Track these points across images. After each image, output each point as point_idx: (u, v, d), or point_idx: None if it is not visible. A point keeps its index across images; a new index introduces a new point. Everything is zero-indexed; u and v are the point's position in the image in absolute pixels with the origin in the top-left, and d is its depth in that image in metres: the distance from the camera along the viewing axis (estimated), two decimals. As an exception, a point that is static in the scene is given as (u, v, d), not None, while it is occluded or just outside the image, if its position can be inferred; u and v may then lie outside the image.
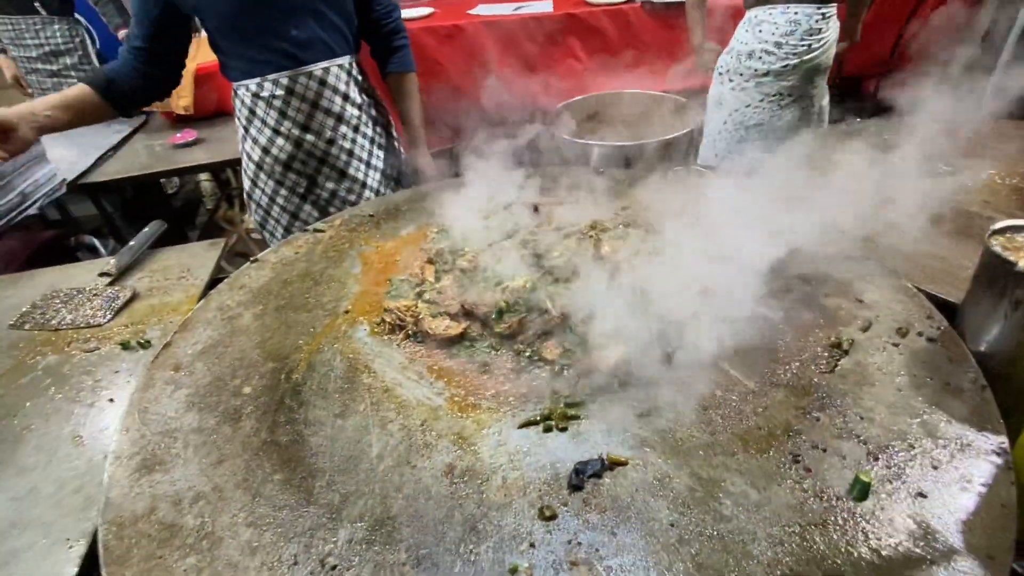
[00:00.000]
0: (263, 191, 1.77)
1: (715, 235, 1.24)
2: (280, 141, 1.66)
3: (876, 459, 0.78)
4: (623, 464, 0.82)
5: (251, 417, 0.96)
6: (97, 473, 0.91)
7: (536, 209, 1.50)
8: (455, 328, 1.10)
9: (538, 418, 0.91)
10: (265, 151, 1.68)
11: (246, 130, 1.69)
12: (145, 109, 2.77)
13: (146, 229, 1.55)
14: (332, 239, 1.49)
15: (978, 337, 0.96)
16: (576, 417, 0.91)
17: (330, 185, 1.77)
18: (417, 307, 1.16)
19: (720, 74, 2.35)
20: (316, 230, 1.53)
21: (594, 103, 2.79)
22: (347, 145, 1.73)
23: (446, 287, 1.22)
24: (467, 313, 1.14)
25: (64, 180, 2.24)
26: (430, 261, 1.32)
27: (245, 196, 1.86)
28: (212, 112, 2.85)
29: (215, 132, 2.72)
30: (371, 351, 1.10)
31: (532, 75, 3.23)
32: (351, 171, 1.78)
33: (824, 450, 0.81)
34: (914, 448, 0.79)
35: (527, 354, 1.05)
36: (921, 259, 1.25)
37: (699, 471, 0.80)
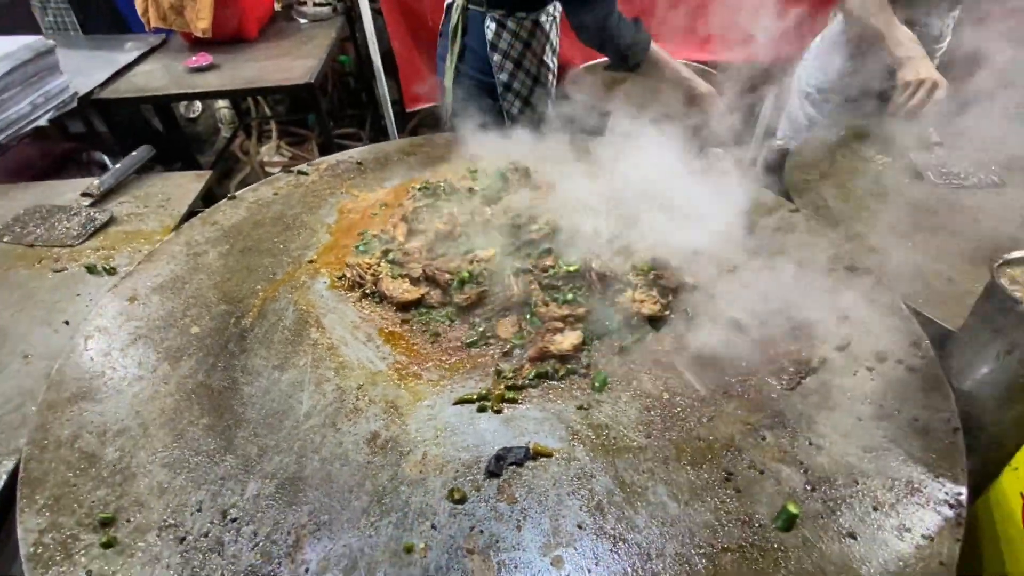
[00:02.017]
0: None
1: (705, 222, 1.16)
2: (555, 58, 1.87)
3: (813, 490, 0.73)
4: (548, 456, 0.79)
5: (192, 358, 0.95)
6: (39, 393, 0.92)
7: (526, 173, 1.42)
8: (412, 293, 1.06)
9: (475, 397, 0.88)
10: (548, 68, 1.83)
11: (540, 58, 1.77)
12: (163, 28, 2.71)
13: (134, 153, 1.53)
14: (314, 183, 1.45)
15: (964, 374, 0.87)
16: (514, 401, 0.88)
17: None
18: (380, 266, 1.12)
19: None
20: (300, 172, 1.49)
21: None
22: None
23: (414, 248, 1.18)
24: (428, 279, 1.10)
25: (76, 94, 2.22)
26: (404, 219, 1.27)
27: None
28: (231, 37, 2.78)
29: (231, 58, 2.65)
30: (325, 305, 1.07)
31: (567, 33, 3.04)
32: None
33: (761, 472, 0.76)
34: (857, 484, 0.73)
35: (481, 328, 1.01)
36: (929, 277, 1.14)
37: (623, 474, 0.76)
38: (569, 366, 0.92)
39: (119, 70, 2.51)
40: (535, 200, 1.33)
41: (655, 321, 1.00)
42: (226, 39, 2.77)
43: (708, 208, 1.22)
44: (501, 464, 0.77)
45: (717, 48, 2.64)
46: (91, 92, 2.33)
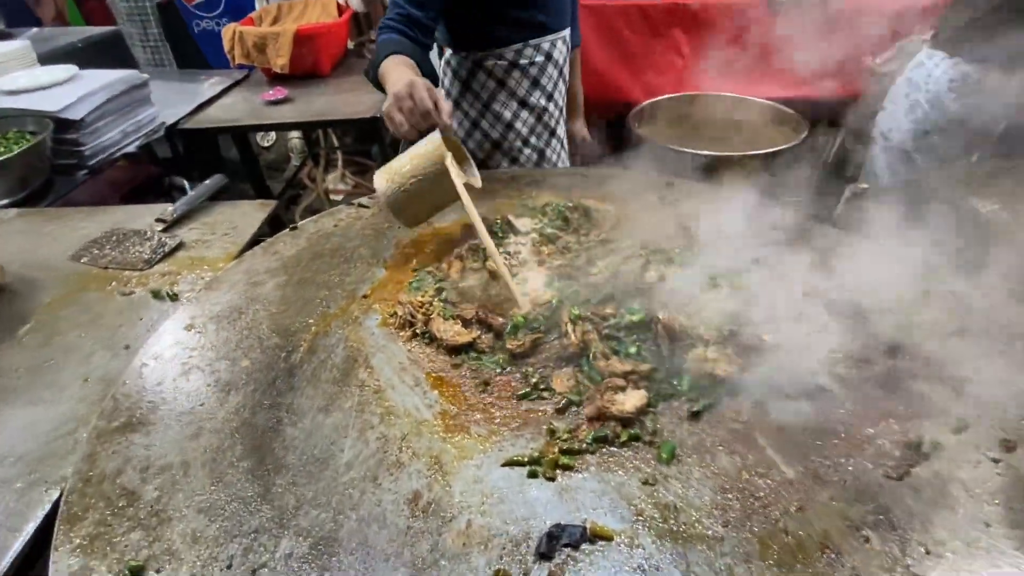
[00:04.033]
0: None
1: (784, 275, 1.05)
2: (524, 114, 1.68)
3: (936, 615, 0.60)
4: (607, 539, 0.69)
5: (240, 393, 0.93)
6: (91, 419, 0.93)
7: (585, 213, 1.36)
8: (464, 336, 1.01)
9: (526, 459, 0.80)
10: (509, 126, 1.69)
11: (487, 106, 1.67)
12: (246, 64, 2.90)
13: (207, 181, 1.60)
14: (374, 216, 1.45)
15: (1125, 476, 0.71)
16: (570, 467, 0.79)
17: (541, 145, 1.78)
18: (432, 305, 1.08)
19: None
20: (361, 205, 1.49)
21: (686, 104, 2.56)
22: (560, 103, 1.78)
23: (467, 288, 1.13)
24: (481, 321, 1.04)
25: (163, 123, 2.39)
26: (459, 257, 1.23)
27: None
28: (307, 73, 2.93)
29: (305, 92, 2.79)
30: (375, 344, 1.03)
31: (627, 67, 3.01)
32: (559, 131, 1.80)
33: (866, 584, 0.63)
34: (995, 614, 0.59)
35: (534, 379, 0.94)
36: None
37: (696, 569, 0.65)
38: (632, 431, 0.83)
39: (203, 102, 2.68)
40: (596, 241, 1.26)
41: (731, 384, 0.90)
42: (302, 75, 2.92)
43: (790, 255, 1.11)
44: (554, 545, 0.68)
45: (784, 86, 2.55)
46: (177, 122, 2.49)
